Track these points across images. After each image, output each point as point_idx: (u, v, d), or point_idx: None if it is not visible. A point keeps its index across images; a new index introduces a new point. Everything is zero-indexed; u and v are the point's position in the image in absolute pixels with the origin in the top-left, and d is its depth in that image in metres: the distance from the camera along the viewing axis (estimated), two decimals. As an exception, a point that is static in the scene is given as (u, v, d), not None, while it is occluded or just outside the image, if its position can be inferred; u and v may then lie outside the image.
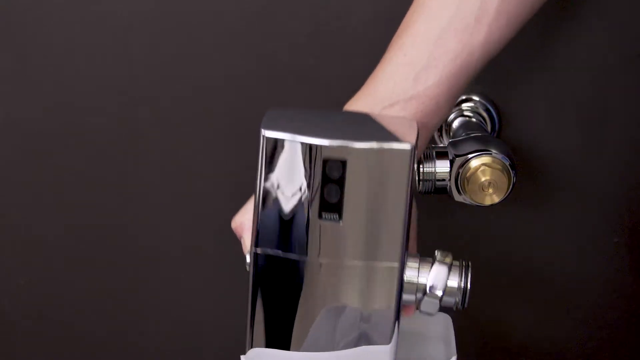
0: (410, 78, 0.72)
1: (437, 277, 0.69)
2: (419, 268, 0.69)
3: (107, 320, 1.02)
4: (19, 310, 1.02)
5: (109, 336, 1.02)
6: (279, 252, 0.67)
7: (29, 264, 1.00)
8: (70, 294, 1.01)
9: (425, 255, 0.71)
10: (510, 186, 0.80)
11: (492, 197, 0.80)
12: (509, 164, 0.79)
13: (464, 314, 0.85)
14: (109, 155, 0.96)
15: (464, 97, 0.92)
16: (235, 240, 0.99)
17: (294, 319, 0.69)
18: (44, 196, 0.98)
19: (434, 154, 0.81)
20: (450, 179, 0.81)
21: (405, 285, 0.69)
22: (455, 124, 0.90)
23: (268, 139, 0.64)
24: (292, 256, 0.67)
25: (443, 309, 0.81)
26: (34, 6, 0.91)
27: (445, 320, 0.80)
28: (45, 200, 0.98)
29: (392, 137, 0.65)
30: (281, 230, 0.66)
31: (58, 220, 0.98)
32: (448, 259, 0.70)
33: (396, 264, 0.67)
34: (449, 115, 0.91)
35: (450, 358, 0.77)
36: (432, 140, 0.93)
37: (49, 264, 1.00)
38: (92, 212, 0.98)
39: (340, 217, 0.65)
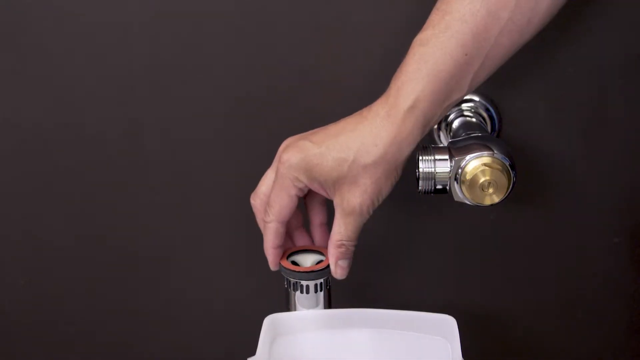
0: (468, 78, 0.77)
1: None
2: None
3: (107, 321, 1.02)
4: (19, 310, 1.02)
5: (109, 336, 1.02)
6: None
7: (29, 264, 1.00)
8: (70, 294, 1.01)
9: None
10: (510, 186, 0.80)
11: (492, 197, 0.80)
12: (509, 164, 0.79)
13: (465, 314, 0.85)
14: (109, 156, 0.96)
15: (464, 97, 0.92)
16: (236, 241, 0.99)
17: None
18: (44, 196, 0.98)
19: (434, 154, 0.81)
20: (450, 179, 0.81)
21: None
22: (455, 124, 0.90)
23: None
24: None
25: (447, 311, 0.81)
26: (34, 6, 0.91)
27: (450, 322, 0.80)
28: (45, 200, 0.98)
29: None
30: None
31: (58, 220, 0.98)
32: None
33: None
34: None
35: None
36: (432, 141, 0.93)
37: (49, 264, 1.00)
38: (92, 212, 0.98)
39: None
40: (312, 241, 0.87)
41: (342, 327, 0.83)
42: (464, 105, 0.92)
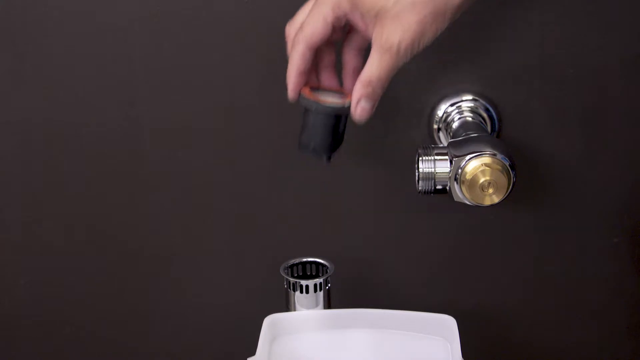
0: None
1: None
2: None
3: (107, 320, 1.02)
4: (19, 310, 1.02)
5: (109, 336, 1.02)
6: None
7: (29, 264, 1.00)
8: (70, 294, 1.01)
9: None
10: (510, 186, 0.80)
11: (492, 197, 0.80)
12: (509, 164, 0.79)
13: (465, 314, 0.85)
14: (108, 155, 0.96)
15: (464, 97, 0.92)
16: (236, 241, 0.99)
17: None
18: (44, 196, 0.98)
19: (434, 154, 0.81)
20: (450, 179, 0.81)
21: None
22: (455, 124, 0.90)
23: None
24: None
25: (447, 311, 0.81)
26: (34, 7, 0.91)
27: (450, 322, 0.80)
28: (45, 200, 0.98)
29: None
30: None
31: (58, 220, 0.98)
32: None
33: None
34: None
35: None
36: (432, 141, 0.93)
37: (49, 264, 1.00)
38: (92, 212, 0.98)
39: None
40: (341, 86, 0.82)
41: (342, 327, 0.83)
42: (464, 105, 0.92)
